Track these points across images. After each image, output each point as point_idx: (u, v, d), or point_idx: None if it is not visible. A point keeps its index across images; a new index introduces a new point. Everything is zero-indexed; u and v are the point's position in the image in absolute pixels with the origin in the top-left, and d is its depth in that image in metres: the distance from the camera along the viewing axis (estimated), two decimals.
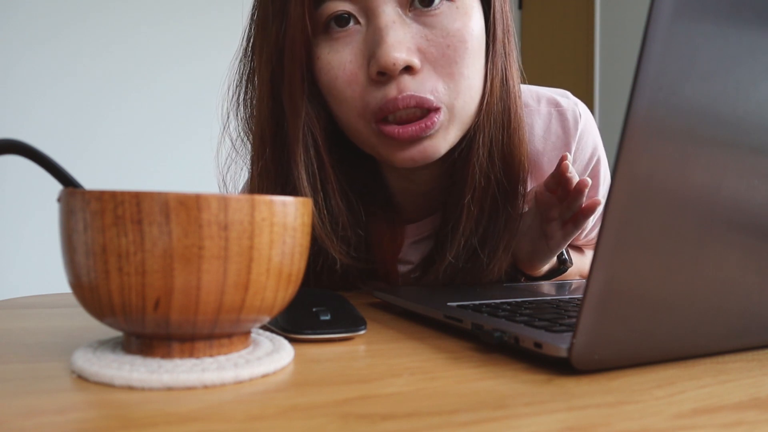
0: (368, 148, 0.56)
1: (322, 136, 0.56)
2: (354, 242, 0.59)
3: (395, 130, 0.51)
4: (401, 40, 0.49)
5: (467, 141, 0.56)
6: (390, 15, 0.50)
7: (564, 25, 2.94)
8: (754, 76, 0.29)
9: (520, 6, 3.19)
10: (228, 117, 0.61)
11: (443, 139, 0.53)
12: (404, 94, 0.50)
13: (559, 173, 0.57)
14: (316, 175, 0.56)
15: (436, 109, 0.51)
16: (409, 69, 0.50)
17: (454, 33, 0.51)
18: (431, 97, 0.50)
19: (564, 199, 0.58)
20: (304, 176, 0.55)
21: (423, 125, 0.51)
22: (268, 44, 0.54)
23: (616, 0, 2.67)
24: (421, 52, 0.50)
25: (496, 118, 0.56)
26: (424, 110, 0.51)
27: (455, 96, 0.52)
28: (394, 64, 0.48)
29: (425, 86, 0.50)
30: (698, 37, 0.27)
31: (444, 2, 0.51)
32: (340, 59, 0.52)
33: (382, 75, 0.50)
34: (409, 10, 0.51)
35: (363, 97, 0.52)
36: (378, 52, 0.49)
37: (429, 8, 0.50)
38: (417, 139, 0.52)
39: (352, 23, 0.51)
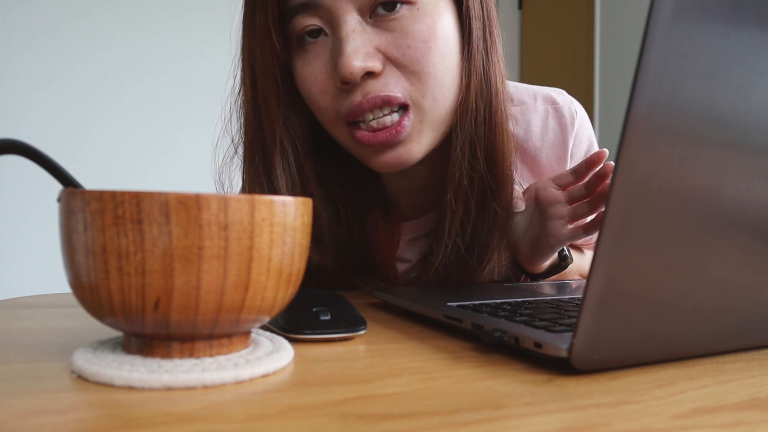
0: (350, 150, 0.58)
1: (304, 140, 0.58)
2: (334, 241, 0.61)
3: (366, 136, 0.53)
4: (359, 47, 0.50)
5: (445, 140, 0.57)
6: (350, 24, 0.51)
7: (564, 25, 2.94)
8: (754, 76, 0.29)
9: (520, 6, 3.19)
10: (231, 116, 0.62)
11: (417, 143, 0.54)
12: (369, 96, 0.51)
13: (591, 165, 0.57)
14: (296, 180, 0.58)
15: (405, 108, 0.52)
16: (371, 74, 0.51)
17: (414, 34, 0.51)
18: (397, 94, 0.52)
19: (575, 197, 0.58)
20: (282, 182, 0.57)
21: (393, 131, 0.52)
22: (246, 57, 0.57)
23: (616, 0, 2.67)
24: (382, 54, 0.52)
25: (476, 117, 0.56)
26: (393, 114, 0.52)
27: (422, 93, 0.53)
28: (352, 73, 0.50)
29: (389, 85, 0.52)
30: (698, 37, 0.27)
31: (404, 6, 0.52)
32: (311, 71, 0.54)
33: (347, 83, 0.52)
34: (370, 17, 0.52)
35: (334, 104, 0.54)
36: (339, 63, 0.51)
37: (389, 13, 0.51)
38: (389, 145, 0.53)
39: (321, 36, 0.53)
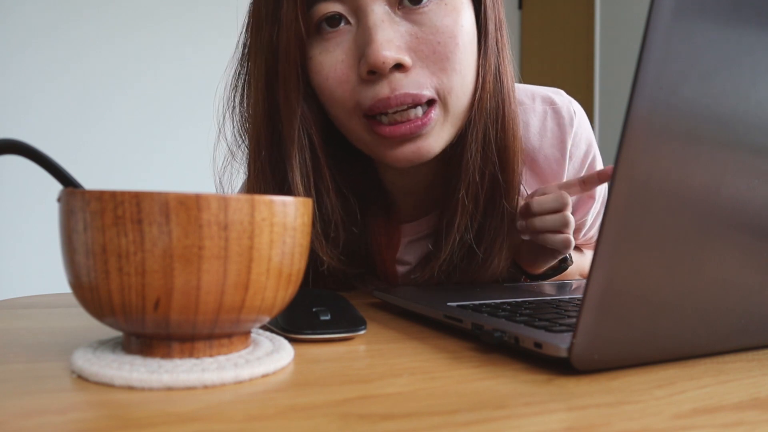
0: (363, 145, 0.57)
1: (318, 135, 0.57)
2: (345, 242, 0.60)
3: (387, 129, 0.52)
4: (390, 38, 0.49)
5: (460, 137, 0.57)
6: (379, 14, 0.50)
7: (564, 25, 2.94)
8: (754, 76, 0.29)
9: (520, 6, 3.19)
10: (224, 119, 0.61)
11: (437, 138, 0.54)
12: (397, 93, 0.50)
13: (603, 178, 0.58)
14: (310, 175, 0.56)
15: (432, 103, 0.52)
16: (399, 67, 0.50)
17: (444, 29, 0.51)
18: (425, 92, 0.51)
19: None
20: (298, 176, 0.55)
21: (418, 123, 0.51)
22: (263, 47, 0.55)
23: (616, 0, 2.67)
24: (412, 50, 0.51)
25: (490, 114, 0.56)
26: (418, 108, 0.51)
27: (448, 91, 0.52)
28: (384, 63, 0.49)
29: (418, 83, 0.51)
30: (698, 37, 0.27)
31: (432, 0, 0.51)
32: (331, 60, 0.52)
33: (373, 74, 0.50)
34: (399, 9, 0.51)
35: (354, 96, 0.52)
36: (368, 51, 0.49)
37: (417, 6, 0.51)
38: (409, 137, 0.52)
39: (342, 23, 0.52)
